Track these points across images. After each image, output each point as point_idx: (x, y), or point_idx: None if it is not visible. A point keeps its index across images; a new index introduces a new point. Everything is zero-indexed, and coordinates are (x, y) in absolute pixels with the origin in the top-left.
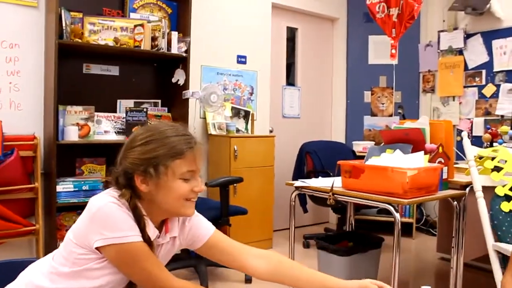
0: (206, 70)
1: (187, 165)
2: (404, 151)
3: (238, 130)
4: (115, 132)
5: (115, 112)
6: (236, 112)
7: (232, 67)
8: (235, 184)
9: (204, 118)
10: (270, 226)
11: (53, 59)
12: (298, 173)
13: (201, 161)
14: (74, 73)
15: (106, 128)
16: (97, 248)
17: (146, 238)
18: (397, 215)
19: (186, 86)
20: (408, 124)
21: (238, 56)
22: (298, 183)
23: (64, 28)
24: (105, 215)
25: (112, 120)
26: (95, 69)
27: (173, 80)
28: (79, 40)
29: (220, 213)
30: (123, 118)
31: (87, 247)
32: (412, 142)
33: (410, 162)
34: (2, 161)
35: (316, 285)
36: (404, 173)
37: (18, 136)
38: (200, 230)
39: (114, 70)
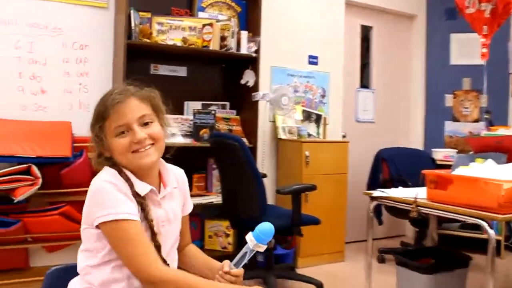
0: (276, 71)
1: (115, 121)
2: (498, 161)
3: (309, 135)
4: (182, 135)
5: (182, 114)
6: (307, 116)
7: (303, 68)
8: (307, 192)
9: (274, 121)
10: (342, 238)
11: (121, 60)
12: (373, 182)
13: (133, 110)
14: (141, 74)
15: (173, 131)
16: (97, 227)
17: (137, 198)
18: (492, 232)
19: (255, 87)
20: (502, 131)
21: (310, 57)
22: (377, 193)
23: (133, 28)
24: (99, 194)
25: (179, 122)
26: (163, 69)
27: (242, 82)
28: (148, 40)
29: (291, 222)
30: (191, 120)
31: (93, 226)
32: (506, 150)
33: (505, 173)
34: (71, 163)
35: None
36: (499, 186)
37: (87, 138)
38: (188, 199)
39: (181, 71)
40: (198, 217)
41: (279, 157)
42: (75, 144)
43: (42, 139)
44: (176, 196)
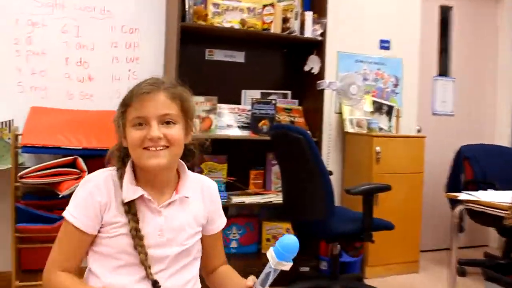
0: (343, 57)
1: (136, 111)
2: None
3: (380, 129)
4: (239, 127)
5: (239, 103)
6: (377, 107)
7: (373, 53)
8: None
9: (340, 113)
10: (417, 246)
11: (174, 44)
12: (454, 183)
13: (157, 106)
14: (196, 60)
15: (229, 122)
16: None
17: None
18: None
19: (321, 75)
20: None
21: (381, 41)
22: (464, 195)
23: (186, 9)
24: (74, 192)
25: (236, 113)
26: (219, 55)
27: (306, 68)
28: (203, 23)
29: (362, 226)
30: (248, 111)
31: None
32: None
33: None
34: None
35: None
36: None
37: None
38: (218, 215)
39: (239, 57)
40: (255, 218)
41: (345, 153)
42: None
43: (88, 130)
44: (191, 206)
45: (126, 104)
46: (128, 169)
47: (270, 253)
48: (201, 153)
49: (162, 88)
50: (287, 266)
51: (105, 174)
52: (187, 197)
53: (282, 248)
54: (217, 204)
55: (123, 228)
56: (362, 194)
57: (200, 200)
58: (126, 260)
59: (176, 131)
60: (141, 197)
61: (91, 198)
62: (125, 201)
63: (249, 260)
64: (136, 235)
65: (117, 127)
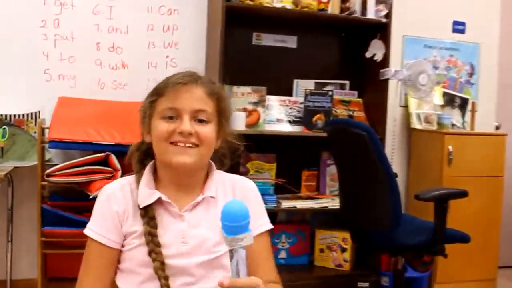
0: (409, 42)
1: (168, 102)
2: None
3: (453, 125)
4: (290, 122)
5: (291, 95)
6: (449, 100)
7: (445, 37)
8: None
9: (406, 106)
10: (495, 261)
11: (218, 27)
12: None
13: (193, 99)
14: (242, 45)
15: (278, 116)
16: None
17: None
18: None
19: (385, 63)
20: None
21: (454, 23)
22: None
23: None
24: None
25: (287, 105)
26: (268, 39)
27: (367, 55)
28: (250, 2)
29: (433, 237)
30: (301, 103)
31: None
32: None
33: None
34: None
35: None
36: None
37: None
38: (255, 216)
39: (291, 41)
40: (308, 225)
41: (411, 152)
42: None
43: (122, 123)
44: (219, 208)
45: (158, 93)
46: (147, 171)
47: (221, 235)
48: (245, 151)
49: (199, 82)
50: (246, 238)
51: (122, 183)
52: (213, 197)
53: (226, 220)
54: (254, 205)
55: (140, 238)
56: (434, 200)
57: (231, 198)
58: (148, 273)
59: (208, 131)
60: (160, 200)
61: (108, 209)
62: (141, 205)
63: (299, 273)
64: (151, 240)
65: (142, 117)
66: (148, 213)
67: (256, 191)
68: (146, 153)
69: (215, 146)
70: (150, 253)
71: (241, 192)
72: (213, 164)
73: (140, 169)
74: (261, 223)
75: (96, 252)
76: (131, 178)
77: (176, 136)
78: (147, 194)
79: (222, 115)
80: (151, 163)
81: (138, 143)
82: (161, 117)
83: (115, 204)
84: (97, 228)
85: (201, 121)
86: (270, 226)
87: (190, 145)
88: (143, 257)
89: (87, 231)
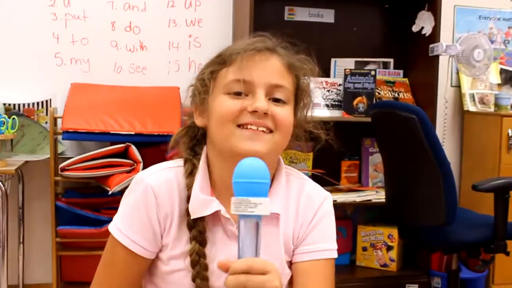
0: (461, 13)
1: (236, 72)
2: None
3: None
4: (327, 105)
5: (328, 76)
6: (507, 78)
7: (503, 6)
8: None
9: (458, 86)
10: None
11: (246, 2)
12: None
13: (269, 71)
14: (273, 21)
15: (315, 100)
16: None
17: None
18: None
19: (433, 37)
20: None
21: None
22: None
23: None
24: (125, 193)
25: (324, 87)
26: (302, 14)
27: (414, 29)
28: None
29: (493, 233)
30: (339, 85)
31: None
32: None
33: None
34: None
35: None
36: None
37: None
38: (314, 236)
39: (327, 16)
40: (349, 221)
41: (465, 137)
42: (185, 118)
43: (142, 111)
44: (283, 226)
45: (223, 61)
46: (203, 166)
47: (232, 203)
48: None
49: (278, 53)
50: (261, 205)
51: (167, 176)
52: (278, 214)
53: (237, 177)
54: (319, 223)
55: (183, 260)
56: (494, 191)
57: (293, 216)
58: None
59: (286, 113)
60: (217, 213)
61: (147, 210)
62: (193, 216)
63: (340, 274)
64: (198, 262)
65: (196, 93)
66: (198, 225)
67: (327, 205)
68: (199, 141)
69: (292, 135)
70: (194, 278)
71: (306, 203)
72: (282, 163)
73: (191, 159)
74: (324, 247)
75: (122, 258)
76: (178, 170)
77: (246, 116)
78: (202, 202)
79: (302, 94)
80: (204, 154)
81: (185, 127)
82: (225, 92)
83: (156, 205)
84: (128, 231)
85: (277, 100)
86: (334, 255)
87: (264, 129)
88: (182, 282)
89: (114, 231)
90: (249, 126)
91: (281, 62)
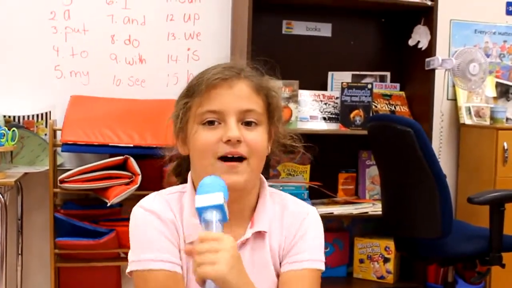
0: (457, 27)
1: (207, 103)
2: None
3: (508, 119)
4: (324, 118)
5: (326, 89)
6: (503, 91)
7: (498, 21)
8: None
9: (454, 99)
10: None
11: (245, 15)
12: None
13: (238, 98)
14: (271, 35)
15: (312, 112)
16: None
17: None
18: None
19: (430, 51)
20: None
21: (508, 4)
22: None
23: None
24: (132, 227)
25: (321, 101)
26: (299, 28)
27: (411, 43)
28: None
29: (489, 245)
30: (337, 98)
31: None
32: None
33: None
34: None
35: None
36: None
37: None
38: (299, 247)
39: (325, 30)
40: (346, 233)
41: (461, 150)
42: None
43: (141, 123)
44: (270, 242)
45: (192, 93)
46: (190, 191)
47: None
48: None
49: (243, 75)
50: (215, 196)
51: (160, 201)
52: (264, 232)
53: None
54: (303, 235)
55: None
56: (490, 203)
57: (278, 231)
58: None
59: (259, 135)
60: None
61: (155, 227)
62: (188, 241)
63: (336, 286)
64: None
65: (176, 125)
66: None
67: (311, 218)
68: (185, 174)
69: (267, 153)
70: None
71: (290, 220)
72: (265, 181)
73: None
74: (307, 257)
75: (168, 283)
76: (169, 197)
77: (222, 147)
78: (194, 226)
79: (273, 113)
80: (189, 180)
81: (175, 165)
82: (200, 122)
83: (161, 220)
84: (154, 255)
85: (248, 123)
86: (321, 267)
87: (238, 159)
88: None
89: (136, 265)
90: (227, 157)
91: (248, 85)
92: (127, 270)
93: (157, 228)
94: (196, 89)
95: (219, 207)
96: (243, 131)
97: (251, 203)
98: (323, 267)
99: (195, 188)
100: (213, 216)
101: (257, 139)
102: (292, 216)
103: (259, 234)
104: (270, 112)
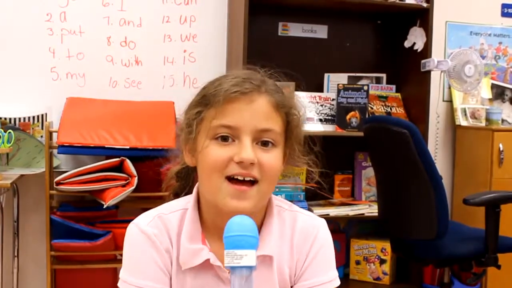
0: (453, 29)
1: (222, 116)
2: None
3: (503, 121)
4: (321, 120)
5: (322, 91)
6: (498, 93)
7: (493, 23)
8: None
9: (450, 101)
10: None
11: (241, 17)
12: None
13: (257, 115)
14: (267, 36)
15: (308, 114)
16: None
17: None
18: None
19: (425, 53)
20: None
21: (503, 6)
22: None
23: None
24: (124, 245)
25: (317, 102)
26: (295, 29)
27: (406, 45)
28: None
29: (484, 247)
30: (333, 100)
31: None
32: None
33: None
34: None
35: None
36: None
37: None
38: (313, 270)
39: (321, 31)
40: (342, 235)
41: (457, 152)
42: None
43: (137, 125)
44: (278, 265)
45: (208, 102)
46: (192, 211)
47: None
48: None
49: (264, 89)
50: (247, 256)
51: (156, 222)
52: (271, 256)
53: (226, 232)
54: (315, 256)
55: None
56: (485, 205)
57: (288, 254)
58: None
59: (274, 158)
60: (207, 261)
61: (147, 251)
62: (184, 267)
63: None
64: None
65: (184, 133)
66: (189, 275)
67: (322, 235)
68: (187, 178)
69: (279, 177)
70: None
71: (302, 237)
72: (273, 202)
73: (184, 189)
74: (323, 280)
75: None
76: (167, 217)
77: (233, 167)
78: (192, 252)
79: (291, 133)
80: (194, 195)
81: (177, 170)
82: (212, 137)
83: (153, 244)
84: (144, 281)
85: (265, 143)
86: (336, 284)
87: (248, 183)
88: None
89: (123, 285)
90: (236, 176)
91: (269, 102)
92: (118, 283)
93: (149, 255)
94: (212, 100)
95: (250, 269)
96: (257, 152)
97: (257, 224)
98: (338, 282)
99: (199, 199)
100: (243, 278)
101: (271, 161)
102: (302, 234)
103: (265, 258)
104: (288, 132)
